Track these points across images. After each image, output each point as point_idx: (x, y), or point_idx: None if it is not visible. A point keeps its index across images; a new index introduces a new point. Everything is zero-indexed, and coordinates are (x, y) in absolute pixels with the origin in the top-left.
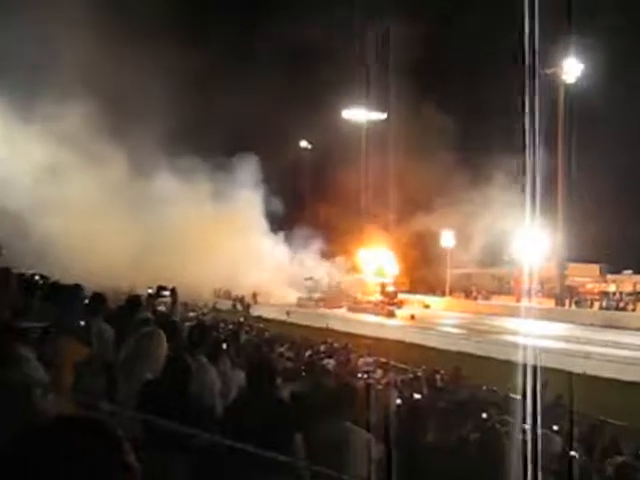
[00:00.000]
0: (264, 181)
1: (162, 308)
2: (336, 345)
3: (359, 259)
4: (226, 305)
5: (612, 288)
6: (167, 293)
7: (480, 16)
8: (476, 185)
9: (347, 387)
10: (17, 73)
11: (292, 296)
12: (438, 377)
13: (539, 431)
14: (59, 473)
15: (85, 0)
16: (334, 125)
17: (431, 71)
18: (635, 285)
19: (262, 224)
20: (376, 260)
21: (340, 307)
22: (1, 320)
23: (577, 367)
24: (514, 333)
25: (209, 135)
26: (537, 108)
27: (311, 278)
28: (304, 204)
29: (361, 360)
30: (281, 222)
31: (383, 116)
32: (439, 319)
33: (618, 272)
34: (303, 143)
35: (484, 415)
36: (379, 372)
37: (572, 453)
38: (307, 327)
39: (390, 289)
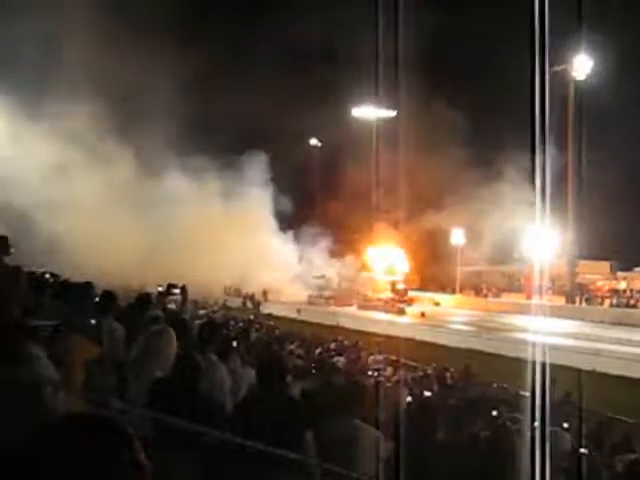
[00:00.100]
0: (273, 179)
1: (172, 306)
2: (346, 343)
3: (369, 257)
4: (236, 303)
5: (622, 285)
6: (177, 291)
7: (490, 12)
8: (486, 182)
9: (357, 385)
10: (25, 72)
11: (302, 294)
12: (448, 375)
13: (548, 429)
14: (70, 471)
15: (89, 0)
16: (344, 123)
17: (441, 67)
18: None
19: (271, 222)
20: (386, 258)
21: (350, 305)
22: (12, 318)
23: (587, 364)
24: (524, 330)
25: (218, 133)
26: (547, 105)
27: (323, 276)
28: (314, 202)
29: (371, 358)
30: (290, 220)
31: (393, 113)
32: (449, 317)
33: (629, 269)
34: (313, 141)
35: (494, 413)
36: (389, 370)
37: (582, 450)
38: (317, 325)
39: (400, 287)
